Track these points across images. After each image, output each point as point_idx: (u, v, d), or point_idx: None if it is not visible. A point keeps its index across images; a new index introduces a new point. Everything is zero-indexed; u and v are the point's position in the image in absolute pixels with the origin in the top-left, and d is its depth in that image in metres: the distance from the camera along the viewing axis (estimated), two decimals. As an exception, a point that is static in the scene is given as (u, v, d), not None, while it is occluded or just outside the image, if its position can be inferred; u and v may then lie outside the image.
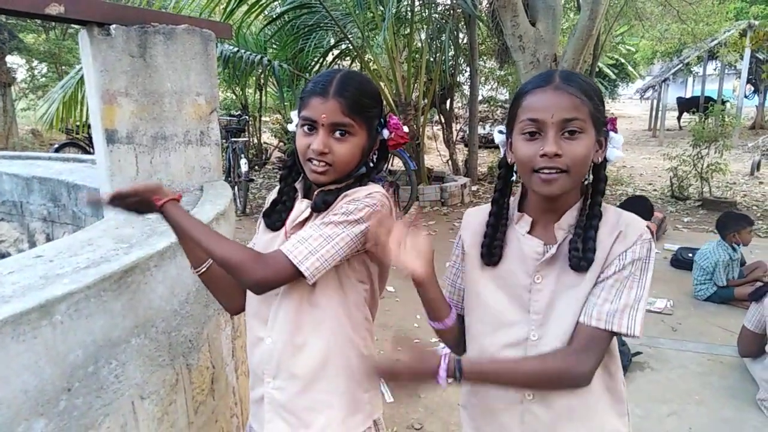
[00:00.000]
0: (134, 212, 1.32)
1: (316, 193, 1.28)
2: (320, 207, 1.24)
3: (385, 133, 1.31)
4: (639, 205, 4.17)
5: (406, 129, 1.36)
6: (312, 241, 1.16)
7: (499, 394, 1.19)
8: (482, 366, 1.13)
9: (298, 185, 1.33)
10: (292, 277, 1.17)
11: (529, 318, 1.16)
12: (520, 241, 1.18)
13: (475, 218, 1.28)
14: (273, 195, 1.38)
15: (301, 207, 1.29)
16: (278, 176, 1.38)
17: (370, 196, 1.22)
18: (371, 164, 1.33)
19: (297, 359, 1.27)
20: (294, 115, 1.31)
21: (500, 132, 1.22)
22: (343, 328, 1.29)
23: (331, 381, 1.29)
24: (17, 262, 1.44)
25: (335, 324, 1.28)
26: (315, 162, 1.21)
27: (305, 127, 1.22)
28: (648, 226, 1.14)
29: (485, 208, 1.27)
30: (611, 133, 1.15)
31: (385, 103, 8.34)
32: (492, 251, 1.20)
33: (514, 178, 1.22)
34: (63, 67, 13.82)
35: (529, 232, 1.18)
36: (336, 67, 10.14)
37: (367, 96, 1.23)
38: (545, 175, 1.06)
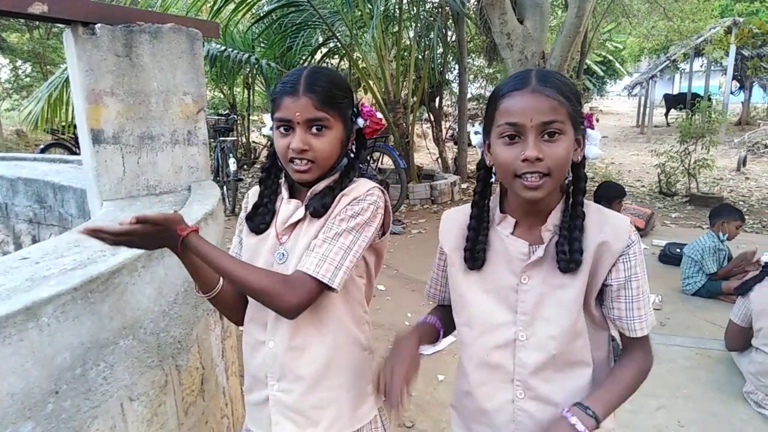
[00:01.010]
0: (137, 247, 1.17)
1: (310, 196, 1.27)
2: (320, 212, 1.24)
3: (360, 121, 1.31)
4: (611, 189, 4.28)
5: (379, 115, 1.36)
6: (334, 255, 1.17)
7: (491, 394, 1.20)
8: (607, 400, 1.13)
9: (282, 185, 1.33)
10: (320, 294, 1.19)
11: (516, 318, 1.16)
12: (504, 242, 1.18)
13: (455, 221, 1.28)
14: (252, 198, 1.37)
15: (290, 208, 1.28)
16: (257, 180, 1.37)
17: (369, 193, 1.24)
18: (352, 155, 1.33)
19: (302, 361, 1.27)
20: (267, 118, 1.31)
21: (476, 133, 1.22)
22: (345, 325, 1.30)
23: (337, 378, 1.30)
24: (3, 264, 1.42)
25: (338, 322, 1.29)
26: (297, 161, 1.21)
27: (281, 128, 1.22)
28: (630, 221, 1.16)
29: (464, 210, 1.27)
30: (588, 131, 1.15)
31: (374, 101, 8.30)
32: (475, 255, 1.19)
33: (493, 179, 1.21)
34: (48, 67, 13.66)
35: (512, 233, 1.18)
36: (324, 65, 10.13)
37: (337, 88, 1.23)
38: (528, 181, 1.05)
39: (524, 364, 1.16)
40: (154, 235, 1.13)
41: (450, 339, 3.45)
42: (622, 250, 1.12)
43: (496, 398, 1.19)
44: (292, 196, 1.31)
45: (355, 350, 1.33)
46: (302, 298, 1.16)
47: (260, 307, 1.28)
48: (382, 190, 1.29)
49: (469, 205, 1.26)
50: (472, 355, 1.22)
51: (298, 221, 1.27)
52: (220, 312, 1.41)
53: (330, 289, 1.17)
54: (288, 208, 1.29)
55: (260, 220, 1.31)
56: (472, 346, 1.22)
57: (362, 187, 1.26)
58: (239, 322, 1.41)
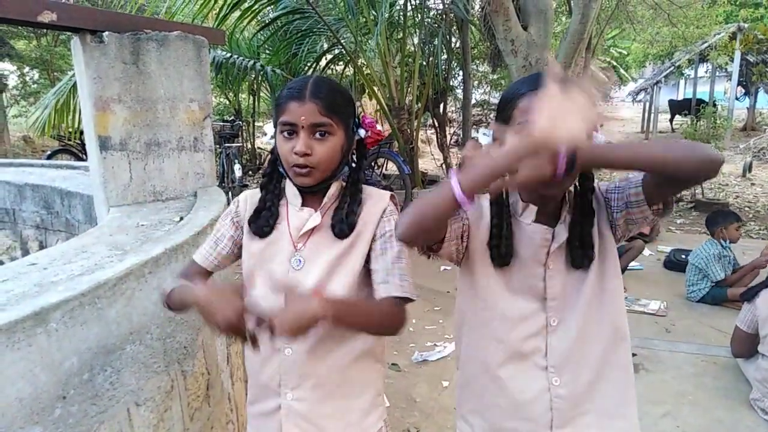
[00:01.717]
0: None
1: (330, 214, 1.29)
2: (345, 233, 1.27)
3: (362, 132, 1.34)
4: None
5: (379, 127, 1.39)
6: (404, 271, 1.27)
7: (526, 384, 1.21)
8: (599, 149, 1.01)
9: (289, 192, 1.33)
10: None
11: (546, 305, 1.19)
12: (527, 231, 1.21)
13: (478, 213, 1.27)
14: (250, 203, 1.37)
15: (303, 215, 1.30)
16: (259, 185, 1.39)
17: (394, 203, 1.32)
18: (353, 164, 1.36)
19: (321, 369, 1.28)
20: (268, 127, 1.33)
21: (485, 135, 1.23)
22: (365, 336, 1.32)
23: (351, 388, 1.32)
24: (11, 270, 1.44)
25: (359, 334, 1.30)
26: (299, 166, 1.22)
27: (285, 133, 1.24)
28: None
29: (483, 200, 1.27)
30: (594, 134, 1.18)
31: (378, 107, 8.27)
32: (503, 252, 1.21)
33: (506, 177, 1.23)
34: (55, 74, 13.75)
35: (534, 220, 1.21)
36: (329, 72, 10.17)
37: (341, 96, 1.26)
38: None
39: (557, 348, 1.18)
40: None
41: (451, 347, 3.45)
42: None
43: (532, 388, 1.21)
44: (303, 204, 1.32)
45: (370, 362, 1.35)
46: (405, 318, 1.27)
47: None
48: (394, 197, 1.35)
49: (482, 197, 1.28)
50: (503, 349, 1.23)
51: (314, 229, 1.29)
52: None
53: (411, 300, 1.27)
54: (301, 216, 1.30)
55: (264, 223, 1.31)
56: (503, 341, 1.23)
57: (382, 197, 1.32)
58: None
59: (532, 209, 1.20)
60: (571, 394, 1.19)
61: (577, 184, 1.20)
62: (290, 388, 1.29)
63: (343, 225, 1.27)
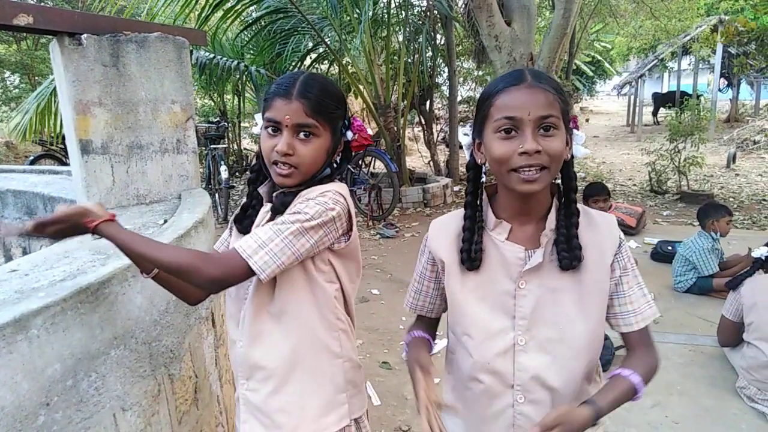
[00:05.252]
0: (64, 237, 1.25)
1: (275, 194, 1.29)
2: (280, 209, 1.24)
3: (349, 134, 1.31)
4: (597, 188, 4.27)
5: (369, 131, 1.37)
6: (261, 235, 1.16)
7: (492, 399, 1.20)
8: (612, 398, 1.16)
9: (262, 189, 1.32)
10: (246, 272, 1.15)
11: (514, 324, 1.16)
12: (499, 247, 1.17)
13: (446, 227, 1.26)
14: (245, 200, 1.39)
15: (265, 209, 1.30)
16: (246, 181, 1.38)
17: (322, 194, 1.21)
18: (335, 165, 1.32)
19: (266, 362, 1.28)
20: (258, 117, 1.30)
21: (465, 134, 1.22)
22: (313, 330, 1.30)
23: (302, 383, 1.30)
24: (-9, 277, 1.42)
25: (305, 326, 1.29)
26: (280, 165, 1.20)
27: (269, 129, 1.21)
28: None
29: (454, 216, 1.26)
30: (574, 131, 1.17)
31: (364, 105, 8.28)
32: (472, 255, 1.17)
33: (483, 179, 1.20)
34: (36, 78, 13.58)
35: (507, 238, 1.18)
36: (314, 71, 10.14)
37: (330, 97, 1.23)
38: (526, 174, 1.05)
39: (524, 369, 1.16)
40: (64, 230, 1.21)
41: (443, 342, 3.44)
42: (615, 250, 1.15)
43: (497, 404, 1.20)
44: (270, 200, 1.32)
45: (325, 357, 1.32)
46: (226, 272, 1.15)
47: (234, 305, 1.32)
48: (341, 194, 1.25)
49: (455, 212, 1.26)
50: (474, 363, 1.22)
51: (268, 221, 1.27)
52: (169, 291, 1.38)
53: (251, 269, 1.15)
54: (263, 210, 1.31)
55: (248, 222, 1.32)
56: (473, 355, 1.21)
57: (320, 188, 1.24)
58: (192, 301, 1.40)
59: (505, 226, 1.17)
60: (534, 414, 1.17)
61: (561, 186, 1.17)
62: (245, 378, 1.32)
63: (277, 202, 1.26)
